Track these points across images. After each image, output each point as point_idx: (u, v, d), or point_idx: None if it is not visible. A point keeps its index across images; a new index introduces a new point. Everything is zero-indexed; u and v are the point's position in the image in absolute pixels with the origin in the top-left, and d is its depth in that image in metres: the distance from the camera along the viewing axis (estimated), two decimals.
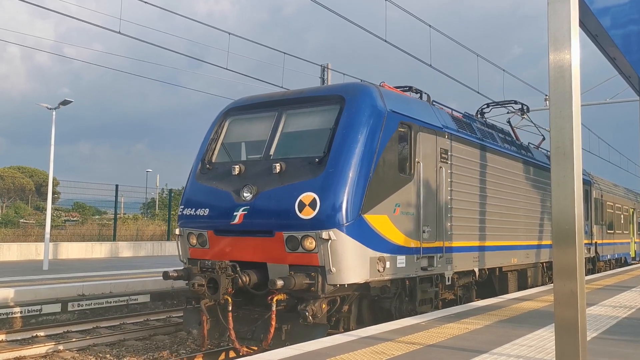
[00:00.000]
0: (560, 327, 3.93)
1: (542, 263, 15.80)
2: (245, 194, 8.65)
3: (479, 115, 15.49)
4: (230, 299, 8.23)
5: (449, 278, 10.45)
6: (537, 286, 14.80)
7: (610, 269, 23.04)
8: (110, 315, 13.32)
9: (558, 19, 3.95)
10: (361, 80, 12.28)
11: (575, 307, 3.86)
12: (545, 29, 4.00)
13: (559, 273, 3.93)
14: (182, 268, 9.17)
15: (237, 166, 9.00)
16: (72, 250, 24.92)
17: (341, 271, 7.95)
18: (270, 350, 6.59)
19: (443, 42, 18.85)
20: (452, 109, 11.89)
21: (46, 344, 10.42)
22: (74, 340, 10.82)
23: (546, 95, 25.16)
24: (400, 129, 9.22)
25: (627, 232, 28.09)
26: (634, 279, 16.64)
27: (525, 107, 16.90)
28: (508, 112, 17.24)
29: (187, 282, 8.82)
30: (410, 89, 11.23)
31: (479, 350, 6.12)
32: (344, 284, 8.10)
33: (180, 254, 9.58)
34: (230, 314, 8.24)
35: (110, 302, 13.72)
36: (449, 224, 10.45)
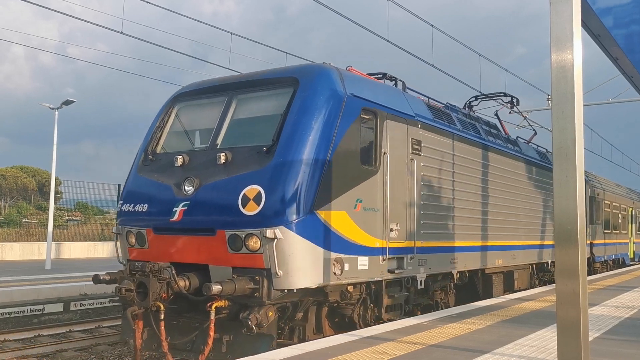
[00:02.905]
0: (563, 327, 3.93)
1: (531, 264, 14.97)
2: (186, 188, 7.82)
3: (466, 108, 14.51)
4: (162, 306, 7.28)
5: (421, 281, 9.51)
6: (525, 289, 13.84)
7: (607, 271, 22.49)
8: (112, 315, 13.34)
9: (560, 20, 3.95)
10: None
11: (578, 307, 3.86)
12: (548, 28, 4.00)
13: (561, 273, 3.94)
14: (117, 271, 8.21)
15: (181, 157, 8.16)
16: (75, 250, 24.97)
17: (289, 274, 7.11)
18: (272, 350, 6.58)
19: (445, 41, 18.85)
20: (429, 98, 11.10)
21: (48, 344, 10.44)
22: (76, 340, 10.84)
23: (548, 95, 25.12)
24: (364, 116, 8.34)
25: (625, 232, 27.44)
26: (637, 279, 16.62)
27: (515, 100, 16.13)
28: (509, 111, 17.11)
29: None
30: (384, 76, 10.51)
31: (481, 350, 6.12)
32: (293, 289, 7.21)
33: (120, 255, 8.78)
34: (162, 322, 7.31)
35: (113, 301, 13.74)
36: (421, 222, 9.52)
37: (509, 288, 13.43)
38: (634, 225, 29.34)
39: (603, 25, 5.08)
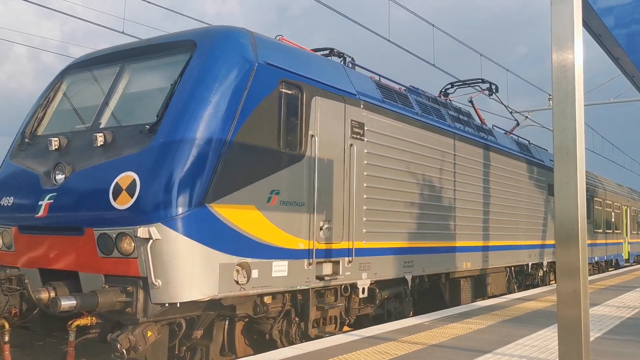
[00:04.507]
0: (564, 327, 3.93)
1: (508, 267, 13.56)
2: (57, 177, 6.49)
3: (442, 97, 13.18)
4: (6, 324, 5.91)
5: (364, 289, 8.14)
6: (502, 295, 12.67)
7: (599, 273, 21.33)
8: None
9: (561, 19, 3.95)
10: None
11: (579, 307, 3.86)
12: (550, 28, 4.01)
13: (562, 273, 3.94)
14: None
15: (57, 139, 6.80)
16: None
17: (170, 284, 5.70)
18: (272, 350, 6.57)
19: (447, 41, 18.85)
20: (381, 76, 9.72)
21: None
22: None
23: (550, 95, 25.10)
24: (283, 90, 6.98)
25: (619, 231, 25.77)
26: (638, 279, 16.61)
27: (494, 87, 15.02)
28: (510, 110, 17.04)
29: None
30: (331, 51, 9.33)
31: (482, 350, 6.12)
32: (176, 303, 5.80)
33: None
34: (7, 346, 5.95)
35: None
36: (364, 219, 8.16)
37: (481, 294, 12.25)
38: (629, 224, 27.81)
39: (604, 25, 5.08)
